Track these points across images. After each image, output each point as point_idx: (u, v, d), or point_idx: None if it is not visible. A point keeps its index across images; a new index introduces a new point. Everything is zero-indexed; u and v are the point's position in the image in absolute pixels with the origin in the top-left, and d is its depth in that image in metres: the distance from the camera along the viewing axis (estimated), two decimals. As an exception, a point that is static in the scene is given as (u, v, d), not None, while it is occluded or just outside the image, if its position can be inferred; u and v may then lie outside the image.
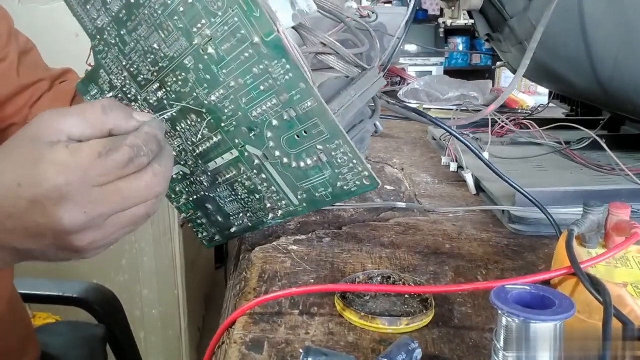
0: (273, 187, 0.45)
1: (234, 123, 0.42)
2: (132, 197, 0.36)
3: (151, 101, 0.46)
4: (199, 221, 0.53)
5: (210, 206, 0.51)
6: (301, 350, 0.32)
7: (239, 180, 0.46)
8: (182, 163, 0.48)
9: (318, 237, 0.51)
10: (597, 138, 0.68)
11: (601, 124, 0.81)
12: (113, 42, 0.44)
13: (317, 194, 0.43)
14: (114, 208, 0.36)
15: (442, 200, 0.62)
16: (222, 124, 0.43)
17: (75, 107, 0.37)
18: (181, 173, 0.49)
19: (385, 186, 0.66)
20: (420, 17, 3.47)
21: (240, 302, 0.40)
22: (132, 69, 0.45)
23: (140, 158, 0.36)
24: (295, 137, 0.40)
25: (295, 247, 0.49)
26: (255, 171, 0.44)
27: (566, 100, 0.98)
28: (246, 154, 0.44)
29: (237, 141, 0.43)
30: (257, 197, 0.46)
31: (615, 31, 0.56)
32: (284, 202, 0.45)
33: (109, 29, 0.44)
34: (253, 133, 0.42)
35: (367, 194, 0.63)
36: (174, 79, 0.43)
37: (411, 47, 2.73)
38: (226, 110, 0.42)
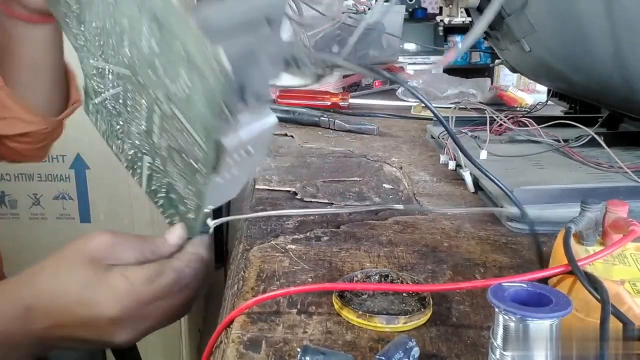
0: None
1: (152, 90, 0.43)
2: (174, 311, 0.44)
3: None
4: (174, 218, 0.51)
5: (174, 196, 0.49)
6: (299, 349, 0.32)
7: (171, 145, 0.45)
8: (145, 151, 0.48)
9: (316, 236, 0.51)
10: (595, 135, 0.68)
11: (599, 122, 0.81)
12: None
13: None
14: (157, 320, 0.43)
15: (441, 199, 0.62)
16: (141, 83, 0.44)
17: (130, 237, 0.45)
18: (147, 165, 0.49)
19: (384, 185, 0.66)
20: (420, 15, 3.47)
21: (238, 302, 0.40)
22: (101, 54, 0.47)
23: (183, 279, 0.42)
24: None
25: (293, 246, 0.49)
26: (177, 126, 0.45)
27: (564, 98, 0.98)
28: (161, 111, 0.45)
29: (153, 96, 0.44)
30: (185, 157, 0.45)
31: (614, 28, 0.56)
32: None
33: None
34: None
35: (365, 192, 0.63)
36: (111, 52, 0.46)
37: (410, 46, 2.73)
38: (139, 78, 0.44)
